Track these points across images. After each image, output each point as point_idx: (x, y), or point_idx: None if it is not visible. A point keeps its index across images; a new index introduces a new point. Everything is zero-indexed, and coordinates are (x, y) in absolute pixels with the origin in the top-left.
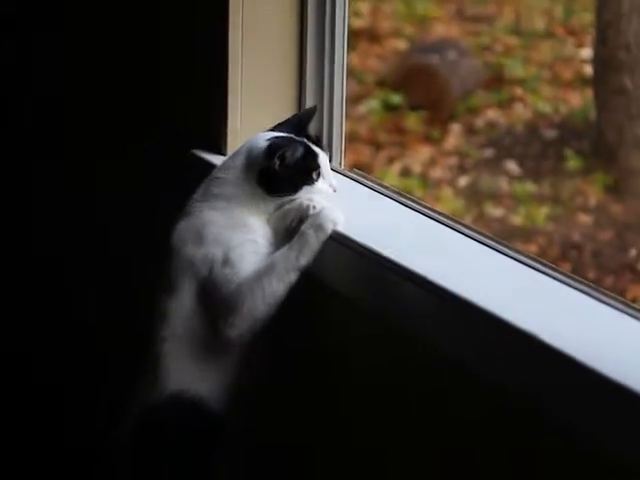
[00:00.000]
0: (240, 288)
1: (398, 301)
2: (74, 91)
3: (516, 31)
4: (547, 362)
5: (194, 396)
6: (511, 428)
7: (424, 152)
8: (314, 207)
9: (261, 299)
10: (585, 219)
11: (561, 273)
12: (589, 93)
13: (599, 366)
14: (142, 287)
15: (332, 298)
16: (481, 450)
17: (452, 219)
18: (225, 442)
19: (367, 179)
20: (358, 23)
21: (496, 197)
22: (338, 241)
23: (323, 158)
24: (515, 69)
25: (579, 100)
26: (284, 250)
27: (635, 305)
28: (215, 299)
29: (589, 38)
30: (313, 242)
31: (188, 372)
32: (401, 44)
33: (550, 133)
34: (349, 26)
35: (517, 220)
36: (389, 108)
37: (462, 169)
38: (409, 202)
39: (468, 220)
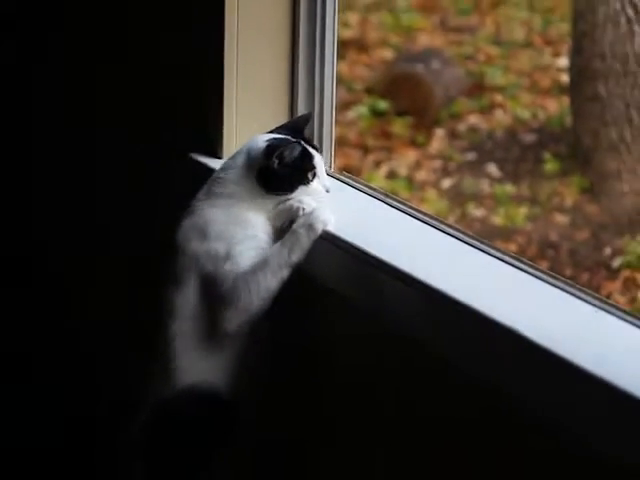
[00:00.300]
0: (237, 283)
1: (385, 297)
2: (74, 91)
3: (497, 41)
4: (528, 356)
5: (208, 388)
6: (498, 425)
7: (410, 156)
8: (304, 209)
9: (256, 293)
10: (562, 219)
11: (540, 271)
12: (566, 100)
13: (575, 358)
14: (142, 286)
15: (324, 295)
16: (465, 446)
17: (436, 219)
18: (240, 428)
19: (356, 181)
20: (347, 33)
21: (478, 198)
22: (328, 240)
23: (319, 159)
24: (496, 77)
25: (556, 107)
26: (277, 246)
27: (609, 300)
28: (215, 294)
29: (566, 47)
30: (304, 241)
31: (198, 365)
32: (388, 53)
33: (529, 138)
34: (338, 36)
35: (497, 220)
36: (376, 114)
37: (446, 172)
38: (395, 203)
39: (451, 220)
